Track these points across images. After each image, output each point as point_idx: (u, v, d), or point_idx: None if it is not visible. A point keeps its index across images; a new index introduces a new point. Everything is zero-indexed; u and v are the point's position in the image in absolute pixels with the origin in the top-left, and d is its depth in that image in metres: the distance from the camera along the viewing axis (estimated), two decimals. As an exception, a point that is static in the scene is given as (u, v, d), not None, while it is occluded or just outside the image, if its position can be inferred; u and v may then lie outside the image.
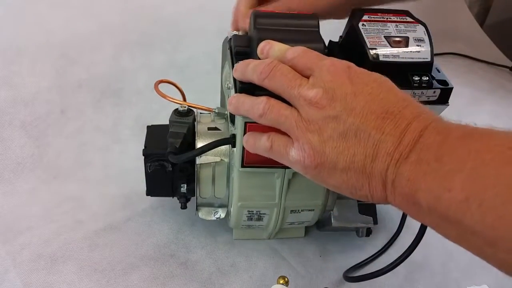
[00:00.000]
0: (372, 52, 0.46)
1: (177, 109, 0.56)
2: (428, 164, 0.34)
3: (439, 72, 0.49)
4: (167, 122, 0.56)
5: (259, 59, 0.44)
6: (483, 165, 0.31)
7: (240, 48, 0.49)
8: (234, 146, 0.48)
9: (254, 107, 0.41)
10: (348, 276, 0.55)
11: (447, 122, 0.37)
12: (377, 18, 0.49)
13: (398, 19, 0.50)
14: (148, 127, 0.59)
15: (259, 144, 0.43)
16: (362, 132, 0.37)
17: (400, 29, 0.49)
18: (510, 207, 0.29)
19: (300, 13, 0.50)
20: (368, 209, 0.58)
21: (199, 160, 0.52)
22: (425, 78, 0.47)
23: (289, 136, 0.41)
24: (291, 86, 0.40)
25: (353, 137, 0.37)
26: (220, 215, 0.56)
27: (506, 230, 0.29)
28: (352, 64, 0.40)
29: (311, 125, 0.39)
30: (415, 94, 0.47)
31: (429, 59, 0.47)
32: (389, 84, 0.40)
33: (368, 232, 0.59)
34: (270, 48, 0.43)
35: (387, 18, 0.50)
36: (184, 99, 0.59)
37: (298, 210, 0.54)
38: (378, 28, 0.48)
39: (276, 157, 0.42)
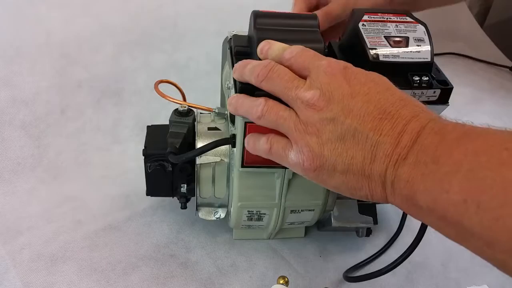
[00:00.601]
0: (372, 52, 0.46)
1: (177, 109, 0.56)
2: (425, 166, 0.34)
3: (439, 72, 0.49)
4: (167, 122, 0.56)
5: (259, 59, 0.44)
6: (479, 167, 0.31)
7: (240, 48, 0.49)
8: (234, 146, 0.48)
9: (253, 108, 0.41)
10: (348, 276, 0.55)
11: (445, 121, 0.37)
12: (377, 18, 0.49)
13: (398, 19, 0.50)
14: (148, 127, 0.59)
15: (259, 146, 0.43)
16: (360, 134, 0.37)
17: (400, 29, 0.49)
18: (507, 209, 0.29)
19: (300, 13, 0.50)
20: (368, 209, 0.58)
21: (199, 160, 0.52)
22: (425, 78, 0.47)
23: (288, 138, 0.41)
24: (288, 87, 0.40)
25: (351, 139, 0.37)
26: (220, 215, 0.56)
27: (503, 232, 0.29)
28: (349, 65, 0.40)
29: (309, 127, 0.39)
30: (415, 94, 0.47)
31: (429, 59, 0.47)
32: (386, 83, 0.39)
33: (368, 232, 0.59)
34: (269, 48, 0.43)
35: (387, 18, 0.50)
36: (184, 99, 0.59)
37: (298, 210, 0.54)
38: (378, 28, 0.48)
39: (275, 159, 0.42)
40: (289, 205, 0.53)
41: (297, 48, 0.42)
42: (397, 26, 0.49)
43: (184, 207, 0.58)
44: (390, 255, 0.60)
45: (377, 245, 0.62)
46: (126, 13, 0.84)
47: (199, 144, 0.53)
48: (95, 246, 0.58)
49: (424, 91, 0.47)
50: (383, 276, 0.51)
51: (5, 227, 0.60)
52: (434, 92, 0.47)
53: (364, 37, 0.47)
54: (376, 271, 0.51)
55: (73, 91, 0.77)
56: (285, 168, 0.49)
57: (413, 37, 0.48)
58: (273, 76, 0.40)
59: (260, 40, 0.45)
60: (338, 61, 0.40)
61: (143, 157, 0.55)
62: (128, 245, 0.59)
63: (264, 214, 0.54)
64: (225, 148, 0.52)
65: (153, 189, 0.57)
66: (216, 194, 0.55)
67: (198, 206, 0.56)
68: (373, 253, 0.60)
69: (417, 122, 0.36)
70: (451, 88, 0.48)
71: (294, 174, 0.50)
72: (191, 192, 0.56)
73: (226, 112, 0.55)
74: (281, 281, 0.50)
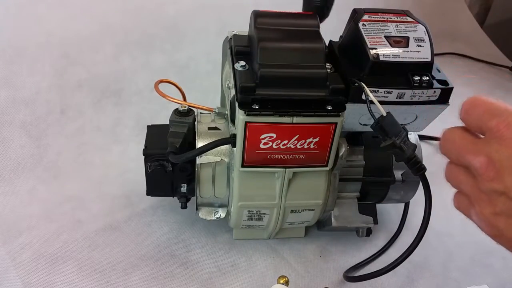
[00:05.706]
0: (372, 52, 0.46)
1: (177, 109, 0.56)
2: None
3: (439, 72, 0.49)
4: (167, 122, 0.56)
5: (262, 59, 0.44)
6: None
7: (240, 48, 0.49)
8: (234, 146, 0.48)
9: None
10: (348, 276, 0.55)
11: None
12: (377, 18, 0.49)
13: (398, 19, 0.50)
14: (148, 127, 0.59)
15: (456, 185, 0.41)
16: None
17: (400, 29, 0.49)
18: None
19: (300, 13, 0.50)
20: (368, 209, 0.58)
21: (199, 160, 0.52)
22: (425, 78, 0.47)
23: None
24: (462, 154, 0.37)
25: None
26: (220, 215, 0.56)
27: None
28: None
29: (482, 194, 0.36)
30: (415, 94, 0.47)
31: (429, 59, 0.47)
32: None
33: (368, 232, 0.59)
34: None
35: (387, 18, 0.49)
36: (184, 99, 0.59)
37: (298, 210, 0.54)
38: (378, 28, 0.48)
39: (464, 210, 0.40)
40: (289, 205, 0.53)
41: (466, 103, 0.38)
42: (397, 26, 0.49)
43: (184, 207, 0.58)
44: (390, 255, 0.60)
45: (377, 245, 0.62)
46: (126, 13, 0.84)
47: (199, 144, 0.53)
48: (95, 246, 0.58)
49: (424, 91, 0.47)
50: (383, 276, 0.51)
51: (5, 227, 0.60)
52: (434, 92, 0.47)
53: (364, 37, 0.47)
54: (376, 271, 0.51)
55: (73, 91, 0.77)
56: (285, 168, 0.49)
57: (413, 37, 0.48)
58: (447, 144, 0.38)
59: (260, 39, 0.45)
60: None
61: (143, 157, 0.55)
62: (128, 245, 0.59)
63: (264, 214, 0.54)
64: (225, 148, 0.52)
65: (153, 189, 0.57)
66: (216, 194, 0.55)
67: (198, 206, 0.56)
68: (373, 253, 0.60)
69: None
70: (451, 88, 0.48)
71: (294, 174, 0.50)
72: (191, 192, 0.56)
73: (226, 112, 0.55)
74: (281, 281, 0.50)
